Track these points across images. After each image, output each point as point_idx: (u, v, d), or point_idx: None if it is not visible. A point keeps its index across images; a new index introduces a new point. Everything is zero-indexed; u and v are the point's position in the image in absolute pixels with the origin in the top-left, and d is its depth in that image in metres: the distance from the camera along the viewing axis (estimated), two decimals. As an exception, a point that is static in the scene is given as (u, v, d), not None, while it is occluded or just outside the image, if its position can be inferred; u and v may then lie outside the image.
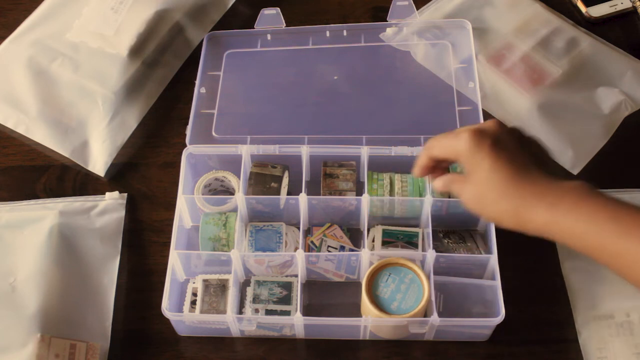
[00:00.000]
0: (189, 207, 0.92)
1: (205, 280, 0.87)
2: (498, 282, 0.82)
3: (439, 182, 0.79)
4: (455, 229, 0.92)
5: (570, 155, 0.97)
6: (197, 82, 1.02)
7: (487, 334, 0.84)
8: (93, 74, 1.02)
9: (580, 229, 0.67)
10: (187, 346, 0.86)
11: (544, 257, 0.91)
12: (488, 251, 0.87)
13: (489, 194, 0.72)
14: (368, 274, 0.82)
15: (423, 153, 0.79)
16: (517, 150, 0.73)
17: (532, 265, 0.90)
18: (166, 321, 0.84)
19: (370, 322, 0.82)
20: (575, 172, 0.96)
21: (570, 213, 0.68)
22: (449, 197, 0.88)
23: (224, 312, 0.84)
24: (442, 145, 0.77)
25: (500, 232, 0.84)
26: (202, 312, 0.85)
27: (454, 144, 0.75)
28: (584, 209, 0.68)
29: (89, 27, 1.04)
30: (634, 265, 0.65)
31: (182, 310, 0.87)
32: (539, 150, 0.76)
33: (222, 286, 0.87)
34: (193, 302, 0.86)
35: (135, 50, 1.03)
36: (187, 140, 0.95)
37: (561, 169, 0.96)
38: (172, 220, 0.89)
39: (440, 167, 0.80)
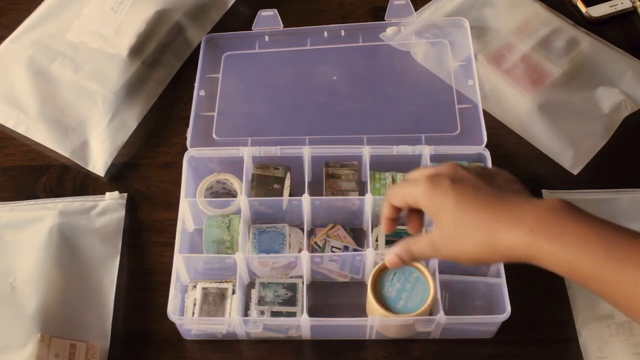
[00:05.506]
0: (191, 210, 0.91)
1: (204, 289, 0.87)
2: (503, 280, 0.82)
3: (391, 257, 0.74)
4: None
5: (570, 155, 0.97)
6: (196, 85, 1.02)
7: (492, 331, 0.84)
8: (93, 74, 1.01)
9: (568, 256, 0.62)
10: (187, 346, 0.86)
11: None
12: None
13: (460, 229, 0.67)
14: (373, 273, 0.82)
15: (384, 203, 0.76)
16: (479, 183, 0.68)
17: (532, 264, 0.90)
18: (166, 321, 0.83)
19: (377, 322, 0.81)
20: (575, 172, 0.97)
21: (555, 238, 0.62)
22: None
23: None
24: (402, 195, 0.73)
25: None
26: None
27: (412, 192, 0.71)
28: (571, 235, 0.62)
29: (89, 27, 1.04)
30: (634, 296, 0.59)
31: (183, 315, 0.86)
32: (507, 179, 0.72)
33: (222, 295, 0.86)
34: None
35: (135, 50, 1.03)
36: (187, 143, 0.94)
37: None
38: (172, 220, 0.89)
39: (414, 216, 0.76)
